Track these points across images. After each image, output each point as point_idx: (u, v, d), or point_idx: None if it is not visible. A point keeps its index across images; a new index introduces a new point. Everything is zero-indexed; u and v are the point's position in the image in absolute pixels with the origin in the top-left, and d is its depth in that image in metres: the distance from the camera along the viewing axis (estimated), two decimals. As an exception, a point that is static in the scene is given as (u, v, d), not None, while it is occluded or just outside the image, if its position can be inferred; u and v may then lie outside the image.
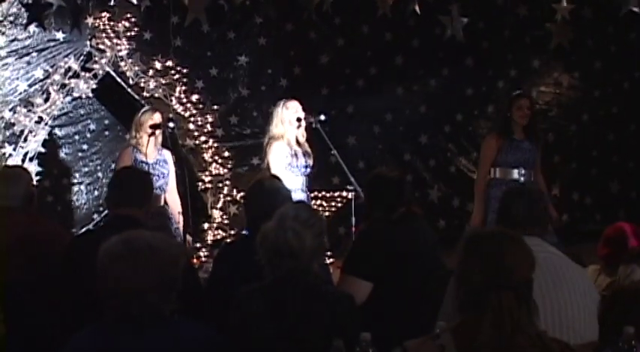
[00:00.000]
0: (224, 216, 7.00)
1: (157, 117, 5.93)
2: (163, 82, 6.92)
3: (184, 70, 7.02)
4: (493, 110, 7.63)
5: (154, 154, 5.84)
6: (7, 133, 6.57)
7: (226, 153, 7.17)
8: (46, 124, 6.63)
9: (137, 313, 2.40)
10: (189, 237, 5.82)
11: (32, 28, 6.63)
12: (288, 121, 5.96)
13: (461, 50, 7.41)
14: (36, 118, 6.58)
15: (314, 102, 7.06)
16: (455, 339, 2.15)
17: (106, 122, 7.03)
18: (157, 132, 5.75)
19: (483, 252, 2.21)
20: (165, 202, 5.90)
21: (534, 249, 2.50)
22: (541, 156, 6.10)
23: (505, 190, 3.80)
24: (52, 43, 6.70)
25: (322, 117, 5.86)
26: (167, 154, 5.87)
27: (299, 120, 5.88)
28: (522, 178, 6.00)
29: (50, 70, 6.65)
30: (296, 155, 5.88)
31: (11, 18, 6.57)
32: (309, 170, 5.91)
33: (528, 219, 3.16)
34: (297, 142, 5.97)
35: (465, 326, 2.16)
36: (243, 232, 4.52)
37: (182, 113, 6.99)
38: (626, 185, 7.79)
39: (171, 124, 5.74)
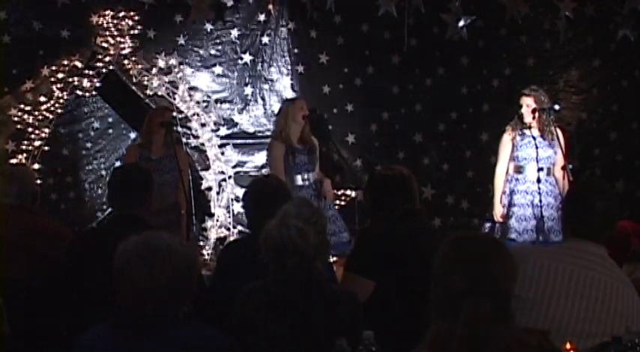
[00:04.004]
0: (227, 215, 7.01)
1: (167, 115, 6.03)
2: (167, 79, 6.93)
3: (188, 68, 7.03)
4: (488, 109, 7.63)
5: (162, 150, 5.90)
6: (11, 131, 6.58)
7: (230, 152, 7.17)
8: (49, 122, 6.64)
9: (148, 314, 2.40)
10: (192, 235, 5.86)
11: (37, 25, 6.65)
12: (291, 118, 6.01)
13: (457, 49, 7.41)
14: (39, 116, 6.60)
15: (315, 101, 7.10)
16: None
17: (110, 120, 7.03)
18: (165, 128, 5.80)
19: (467, 258, 2.13)
20: (176, 199, 5.93)
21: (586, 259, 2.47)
22: (565, 154, 6.11)
23: (578, 184, 3.53)
24: (56, 41, 6.70)
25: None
26: (179, 151, 5.90)
27: (304, 117, 5.93)
28: (538, 175, 6.02)
29: (54, 68, 6.66)
30: (293, 153, 5.92)
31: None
32: (309, 166, 5.93)
33: (606, 220, 2.90)
34: (302, 139, 6.00)
35: (442, 337, 2.08)
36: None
37: (185, 111, 7.00)
38: (631, 184, 7.78)
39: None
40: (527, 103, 6.06)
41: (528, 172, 6.09)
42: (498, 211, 6.22)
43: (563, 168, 5.99)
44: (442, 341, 2.07)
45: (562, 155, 6.08)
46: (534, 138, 6.04)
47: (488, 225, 6.45)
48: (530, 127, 6.06)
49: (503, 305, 2.08)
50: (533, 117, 6.04)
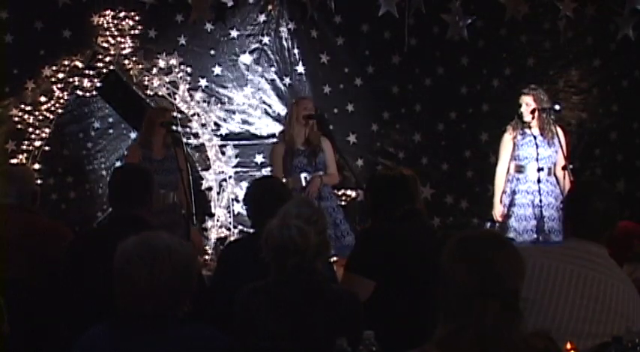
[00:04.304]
0: (227, 215, 7.01)
1: (167, 116, 6.03)
2: (167, 79, 6.93)
3: (188, 68, 7.03)
4: (487, 109, 7.63)
5: (163, 151, 5.90)
6: (11, 131, 6.58)
7: (230, 152, 7.17)
8: (50, 122, 6.64)
9: (148, 314, 2.40)
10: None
11: (38, 25, 6.66)
12: (295, 118, 6.03)
13: (456, 49, 7.42)
14: (40, 116, 6.60)
15: (316, 101, 7.10)
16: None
17: (110, 120, 7.04)
18: (165, 129, 5.81)
19: (471, 258, 2.10)
20: (175, 200, 5.94)
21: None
22: (566, 152, 6.12)
23: (578, 184, 3.55)
24: (57, 41, 6.71)
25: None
26: (178, 151, 5.90)
27: (307, 117, 5.92)
28: (538, 174, 6.04)
29: (55, 68, 6.66)
30: (293, 154, 5.91)
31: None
32: (309, 169, 5.92)
33: (606, 220, 2.89)
34: (307, 141, 5.98)
35: (450, 337, 2.06)
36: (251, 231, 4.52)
37: (186, 111, 7.00)
38: (632, 184, 7.78)
39: None
40: (527, 102, 6.09)
41: (529, 172, 6.11)
42: (498, 211, 6.25)
43: (564, 168, 6.00)
44: (451, 342, 2.05)
45: (562, 154, 6.09)
46: (535, 138, 6.05)
47: (489, 225, 6.47)
48: (530, 127, 6.08)
49: (512, 305, 2.07)
50: (533, 117, 6.06)
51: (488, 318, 2.01)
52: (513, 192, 6.16)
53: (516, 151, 6.15)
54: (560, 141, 6.11)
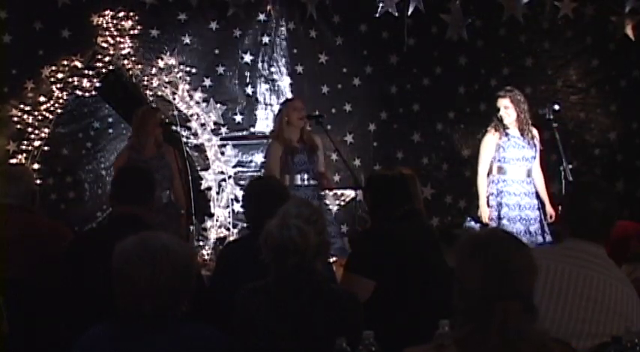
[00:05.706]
0: (227, 215, 7.01)
1: (158, 116, 6.04)
2: (167, 79, 6.93)
3: (188, 68, 7.03)
4: (485, 108, 7.64)
5: (152, 150, 5.91)
6: (11, 131, 6.59)
7: (230, 151, 7.18)
8: (49, 122, 6.64)
9: (148, 313, 2.40)
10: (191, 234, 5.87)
11: (37, 25, 6.66)
12: (287, 119, 6.06)
13: (455, 49, 7.42)
14: (40, 116, 6.60)
15: (315, 101, 7.11)
16: (459, 351, 2.04)
17: (110, 120, 7.04)
18: (163, 129, 5.82)
19: (488, 259, 2.06)
20: (171, 199, 5.96)
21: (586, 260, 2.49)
22: (541, 152, 6.17)
23: (577, 184, 3.57)
24: (56, 41, 6.71)
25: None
26: (167, 150, 5.92)
27: (301, 118, 5.96)
28: (521, 174, 6.09)
29: (54, 68, 6.66)
30: (292, 153, 5.95)
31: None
32: (309, 166, 5.96)
33: (605, 220, 2.90)
34: (302, 139, 6.03)
35: (470, 337, 2.04)
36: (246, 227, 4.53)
37: (185, 111, 7.00)
38: (631, 184, 7.78)
39: None
40: (505, 105, 6.17)
41: (514, 173, 6.14)
42: (486, 213, 6.21)
43: (562, 168, 6.03)
44: (472, 342, 2.03)
45: (540, 154, 6.19)
46: (518, 138, 6.12)
47: (474, 225, 6.46)
48: (510, 127, 6.15)
49: (532, 305, 2.05)
50: (513, 117, 6.13)
51: (511, 320, 1.99)
52: (501, 193, 6.17)
53: (502, 153, 6.17)
54: (538, 142, 6.20)
